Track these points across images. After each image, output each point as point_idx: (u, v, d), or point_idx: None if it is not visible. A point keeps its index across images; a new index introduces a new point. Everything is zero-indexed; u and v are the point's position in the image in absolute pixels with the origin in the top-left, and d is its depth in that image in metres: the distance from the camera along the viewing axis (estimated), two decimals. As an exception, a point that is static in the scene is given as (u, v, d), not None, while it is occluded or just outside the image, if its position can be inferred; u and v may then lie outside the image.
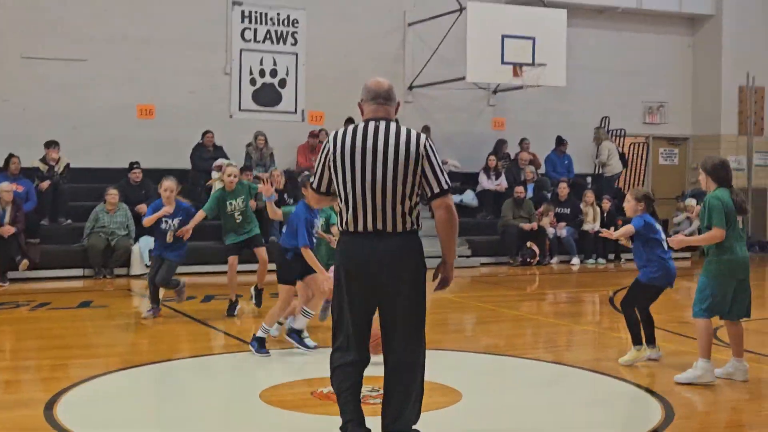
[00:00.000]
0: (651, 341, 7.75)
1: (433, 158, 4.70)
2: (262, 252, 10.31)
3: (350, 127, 4.77)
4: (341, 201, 4.74)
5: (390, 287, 4.69)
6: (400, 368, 4.74)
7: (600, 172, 19.44)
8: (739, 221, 6.93)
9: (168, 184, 9.89)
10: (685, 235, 7.77)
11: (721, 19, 20.80)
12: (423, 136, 4.73)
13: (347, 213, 4.69)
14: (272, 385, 6.77)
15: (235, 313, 10.15)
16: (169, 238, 9.78)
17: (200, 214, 9.95)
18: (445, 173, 4.73)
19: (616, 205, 17.73)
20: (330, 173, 4.78)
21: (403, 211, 4.66)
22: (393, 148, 4.65)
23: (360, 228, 4.68)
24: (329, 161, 4.76)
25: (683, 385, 6.84)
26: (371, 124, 4.74)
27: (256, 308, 10.41)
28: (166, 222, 9.78)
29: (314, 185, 4.88)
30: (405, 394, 4.74)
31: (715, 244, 6.85)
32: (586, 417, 6.18)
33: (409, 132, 4.73)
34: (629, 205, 7.68)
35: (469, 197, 17.78)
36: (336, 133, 4.79)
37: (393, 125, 4.76)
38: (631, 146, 20.78)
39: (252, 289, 10.54)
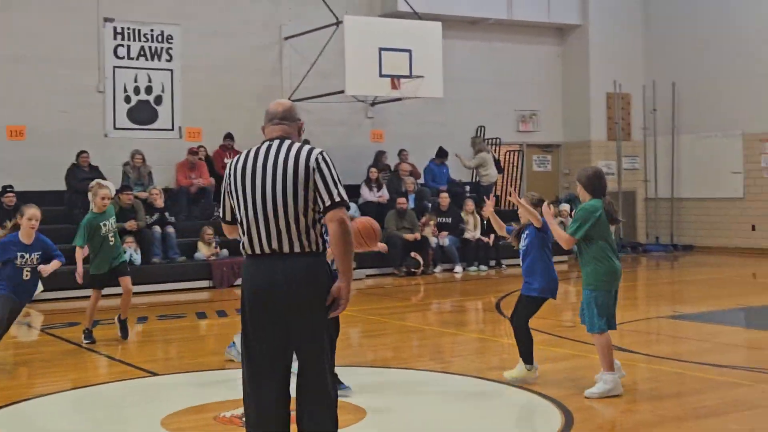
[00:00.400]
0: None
1: (325, 171, 4.50)
2: (127, 282, 9.89)
3: (245, 151, 4.71)
4: (239, 224, 4.64)
5: (294, 314, 4.47)
6: (312, 404, 4.50)
7: (477, 180, 19.85)
8: (612, 231, 7.13)
9: (33, 213, 8.63)
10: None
11: (588, 29, 21.54)
12: (317, 150, 4.56)
13: (244, 235, 4.58)
14: (174, 411, 6.65)
15: (94, 339, 9.86)
16: (26, 275, 8.64)
17: (81, 252, 9.44)
18: (339, 187, 4.53)
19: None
20: (229, 199, 4.68)
21: (298, 230, 4.47)
22: (282, 165, 4.50)
23: (257, 250, 4.53)
24: (227, 187, 4.67)
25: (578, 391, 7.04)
26: (265, 144, 4.64)
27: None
28: (23, 257, 8.62)
29: (220, 215, 4.80)
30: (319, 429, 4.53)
31: (591, 257, 6.94)
32: (490, 426, 6.30)
33: (301, 147, 4.57)
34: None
35: (351, 210, 17.86)
36: (233, 159, 4.72)
37: (287, 143, 4.60)
38: (507, 154, 21.30)
39: (116, 319, 10.10)
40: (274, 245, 4.49)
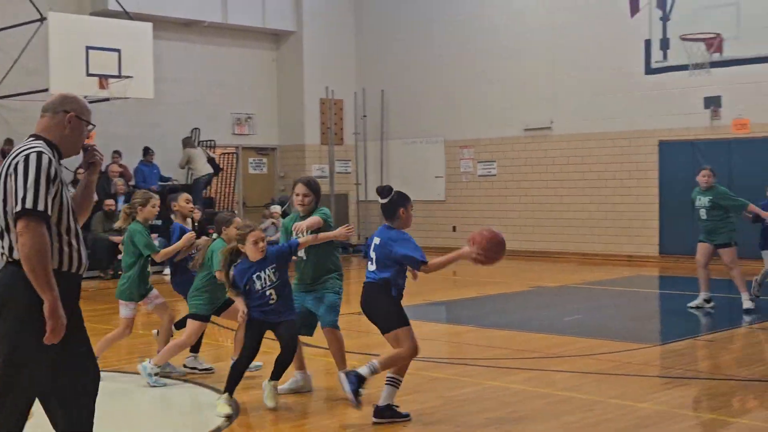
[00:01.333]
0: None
1: (19, 174, 4.07)
2: None
3: None
4: None
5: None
6: None
7: (191, 175, 19.90)
8: None
9: None
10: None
11: (302, 36, 22.15)
12: (24, 153, 4.15)
13: None
14: None
15: None
16: None
17: None
18: (30, 193, 4.05)
19: (206, 215, 18.26)
20: None
21: (10, 239, 4.17)
22: (3, 170, 4.21)
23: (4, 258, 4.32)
24: None
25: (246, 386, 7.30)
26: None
27: None
28: None
29: None
30: None
31: (333, 263, 7.31)
32: (157, 420, 6.49)
33: (18, 149, 4.22)
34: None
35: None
36: None
37: (23, 143, 4.29)
38: (222, 156, 21.49)
39: None
40: (7, 253, 4.25)
